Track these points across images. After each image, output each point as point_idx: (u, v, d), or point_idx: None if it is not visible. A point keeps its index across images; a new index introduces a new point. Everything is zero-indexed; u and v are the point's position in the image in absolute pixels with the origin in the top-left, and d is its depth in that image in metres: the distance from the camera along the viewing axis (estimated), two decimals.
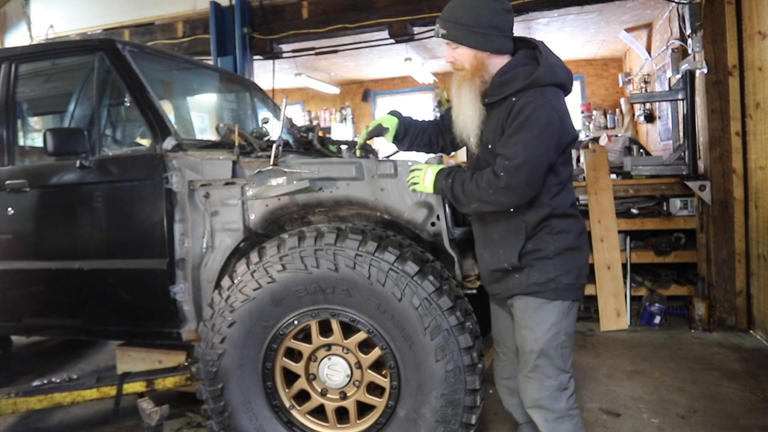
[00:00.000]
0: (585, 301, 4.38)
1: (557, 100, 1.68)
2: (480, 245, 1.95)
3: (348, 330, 2.17)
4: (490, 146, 1.79)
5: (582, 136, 6.52)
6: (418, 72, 7.49)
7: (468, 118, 1.80)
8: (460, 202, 1.81)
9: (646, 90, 6.48)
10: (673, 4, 4.53)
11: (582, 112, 7.81)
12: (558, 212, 1.75)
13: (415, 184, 1.92)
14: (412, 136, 2.15)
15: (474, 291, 2.26)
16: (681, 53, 4.75)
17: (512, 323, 1.94)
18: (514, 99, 1.70)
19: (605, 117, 7.76)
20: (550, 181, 1.73)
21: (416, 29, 5.18)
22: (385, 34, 5.28)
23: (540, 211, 1.75)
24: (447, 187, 1.82)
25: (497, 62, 1.78)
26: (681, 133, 4.81)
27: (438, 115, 4.35)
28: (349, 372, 2.18)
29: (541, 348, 1.79)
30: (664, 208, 4.41)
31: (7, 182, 2.67)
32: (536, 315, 1.80)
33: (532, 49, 1.80)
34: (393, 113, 2.18)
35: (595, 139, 6.12)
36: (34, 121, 3.53)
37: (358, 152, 2.38)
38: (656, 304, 4.22)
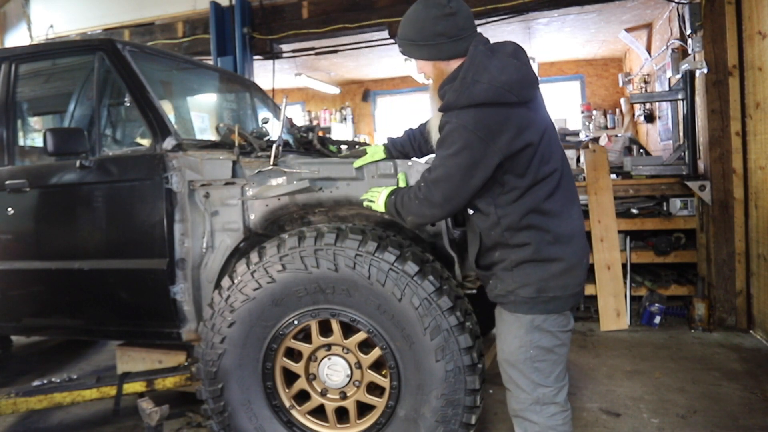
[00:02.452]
0: (585, 301, 4.39)
1: (476, 121, 1.58)
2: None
3: (348, 330, 2.17)
4: None
5: (582, 136, 6.51)
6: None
7: (432, 126, 1.82)
8: (402, 216, 1.84)
9: (646, 90, 6.48)
10: (673, 4, 4.53)
11: (582, 112, 7.81)
12: (512, 224, 1.66)
13: (371, 201, 1.97)
14: (403, 152, 2.21)
15: (474, 291, 2.27)
16: (681, 53, 4.75)
17: None
18: (443, 114, 1.69)
19: (605, 117, 7.76)
20: (495, 191, 1.66)
21: None
22: (385, 34, 5.27)
23: (488, 220, 1.70)
24: (390, 203, 1.87)
25: (456, 66, 1.73)
26: (681, 133, 4.81)
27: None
28: (349, 372, 2.18)
29: (507, 359, 1.75)
30: (664, 208, 4.41)
31: (7, 182, 2.67)
32: (502, 325, 1.78)
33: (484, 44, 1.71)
34: (387, 142, 2.24)
35: (595, 139, 6.11)
36: (34, 121, 3.53)
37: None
38: (656, 304, 4.21)
